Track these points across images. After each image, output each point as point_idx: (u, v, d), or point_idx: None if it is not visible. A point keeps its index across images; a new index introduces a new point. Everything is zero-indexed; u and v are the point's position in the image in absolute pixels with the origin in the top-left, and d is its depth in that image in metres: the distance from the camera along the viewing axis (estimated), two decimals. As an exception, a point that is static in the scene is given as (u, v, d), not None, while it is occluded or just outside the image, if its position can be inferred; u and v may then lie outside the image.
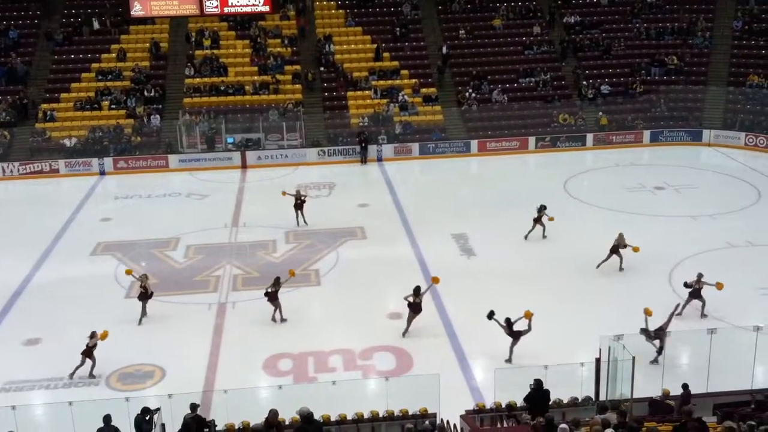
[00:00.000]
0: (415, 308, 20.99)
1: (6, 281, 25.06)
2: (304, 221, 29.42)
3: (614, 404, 13.89)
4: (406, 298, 21.04)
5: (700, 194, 31.81)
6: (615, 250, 24.69)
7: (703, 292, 21.30)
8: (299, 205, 29.34)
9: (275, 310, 21.97)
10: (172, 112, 40.46)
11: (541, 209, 27.49)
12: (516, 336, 19.50)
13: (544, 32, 44.64)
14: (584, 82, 41.92)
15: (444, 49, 42.66)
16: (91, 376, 19.32)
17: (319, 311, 23.36)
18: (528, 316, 19.40)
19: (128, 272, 23.68)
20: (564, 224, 28.93)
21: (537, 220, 27.42)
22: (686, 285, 21.54)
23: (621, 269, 24.68)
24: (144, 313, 22.32)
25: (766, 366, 17.66)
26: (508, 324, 19.61)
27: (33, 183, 36.84)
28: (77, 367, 19.27)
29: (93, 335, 19.53)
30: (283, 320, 21.93)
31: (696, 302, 21.41)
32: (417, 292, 21.01)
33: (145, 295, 22.40)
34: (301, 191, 29.73)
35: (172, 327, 22.06)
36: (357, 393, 17.39)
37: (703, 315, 21.36)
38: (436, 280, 22.06)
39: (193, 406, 15.14)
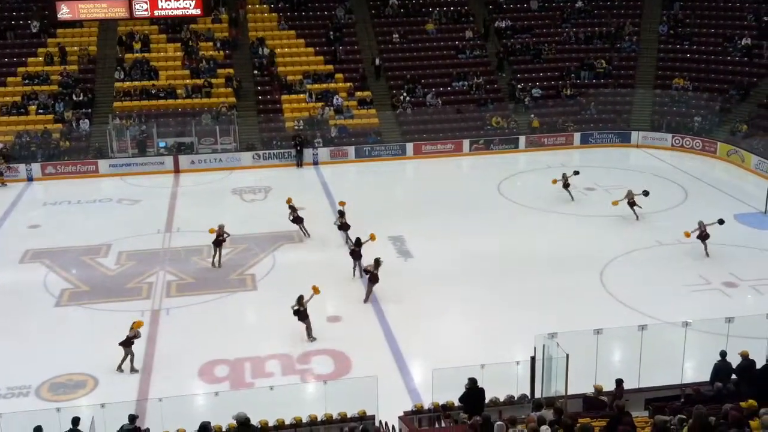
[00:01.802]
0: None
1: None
2: (306, 233, 28.34)
3: (549, 401, 14.09)
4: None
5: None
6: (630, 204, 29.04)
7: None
8: (298, 219, 28.07)
9: (307, 328, 21.06)
10: (101, 117, 39.57)
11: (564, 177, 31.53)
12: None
13: (476, 36, 45.16)
14: (519, 86, 42.54)
15: (377, 61, 42.73)
16: (133, 370, 19.52)
17: (256, 316, 23.17)
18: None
19: (212, 231, 25.96)
20: (498, 225, 29.39)
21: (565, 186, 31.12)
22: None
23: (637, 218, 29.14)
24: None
25: (695, 361, 18.13)
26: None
27: (-44, 190, 35.66)
28: (123, 360, 19.46)
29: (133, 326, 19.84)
30: (312, 339, 21.00)
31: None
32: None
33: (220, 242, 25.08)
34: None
35: (104, 335, 21.46)
36: (295, 397, 17.32)
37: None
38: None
39: (132, 417, 14.86)
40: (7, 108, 39.15)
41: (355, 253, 24.67)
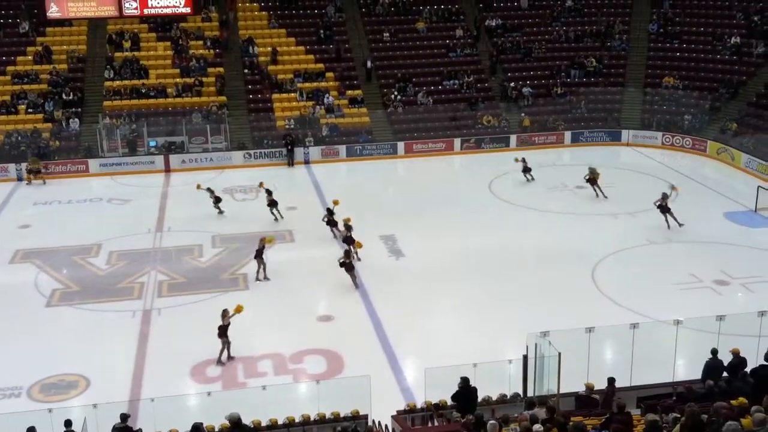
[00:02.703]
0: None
1: None
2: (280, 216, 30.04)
3: (542, 400, 14.11)
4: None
5: (621, 193, 32.62)
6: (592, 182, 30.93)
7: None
8: (273, 202, 29.88)
9: (354, 279, 23.68)
10: (91, 116, 39.42)
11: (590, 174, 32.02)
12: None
13: (467, 35, 45.19)
14: (511, 84, 42.59)
15: (368, 63, 42.69)
16: (226, 359, 19.77)
17: (248, 316, 22.98)
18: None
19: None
20: (490, 223, 29.43)
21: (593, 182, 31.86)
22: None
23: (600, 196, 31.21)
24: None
25: (687, 359, 18.20)
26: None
27: (-55, 190, 35.47)
28: (221, 351, 19.71)
29: (224, 313, 19.91)
30: (357, 287, 23.61)
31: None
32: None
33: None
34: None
35: (95, 335, 21.51)
36: (288, 397, 17.33)
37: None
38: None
39: (124, 416, 14.82)
40: (-4, 107, 38.97)
41: (331, 221, 27.23)
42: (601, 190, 31.77)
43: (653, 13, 45.83)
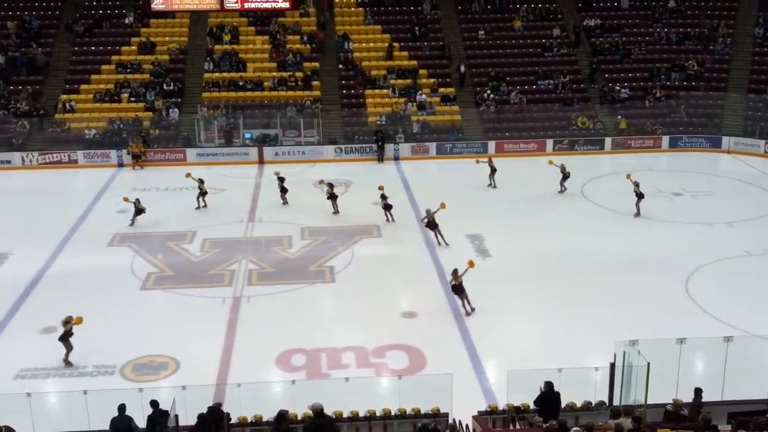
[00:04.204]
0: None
1: (23, 270, 25.23)
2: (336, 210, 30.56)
3: (628, 410, 13.82)
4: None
5: (718, 201, 31.63)
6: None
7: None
8: (333, 196, 30.54)
9: (463, 302, 22.17)
10: (190, 106, 40.60)
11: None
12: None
13: (564, 35, 44.50)
14: (610, 85, 41.74)
15: (462, 68, 42.45)
16: (67, 363, 19.38)
17: (333, 308, 23.39)
18: (470, 265, 22.25)
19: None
20: (580, 227, 28.92)
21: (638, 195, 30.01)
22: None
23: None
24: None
25: (783, 376, 17.51)
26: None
27: (52, 173, 37.07)
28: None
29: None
30: (472, 310, 22.10)
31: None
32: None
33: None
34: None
35: (186, 319, 22.14)
36: (370, 390, 17.37)
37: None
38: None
39: (217, 404, 15.27)
40: (100, 95, 40.48)
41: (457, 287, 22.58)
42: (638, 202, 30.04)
43: (759, 17, 44.09)
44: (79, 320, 19.77)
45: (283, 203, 31.52)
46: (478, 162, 34.39)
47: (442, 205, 26.87)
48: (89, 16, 44.09)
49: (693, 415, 14.19)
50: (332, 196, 30.58)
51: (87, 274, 25.19)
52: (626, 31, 44.80)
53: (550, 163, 33.42)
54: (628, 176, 30.53)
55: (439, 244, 27.08)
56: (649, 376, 14.35)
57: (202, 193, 31.36)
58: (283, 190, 31.61)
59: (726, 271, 25.15)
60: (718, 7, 45.65)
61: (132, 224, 29.19)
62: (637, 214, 29.58)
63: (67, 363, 19.42)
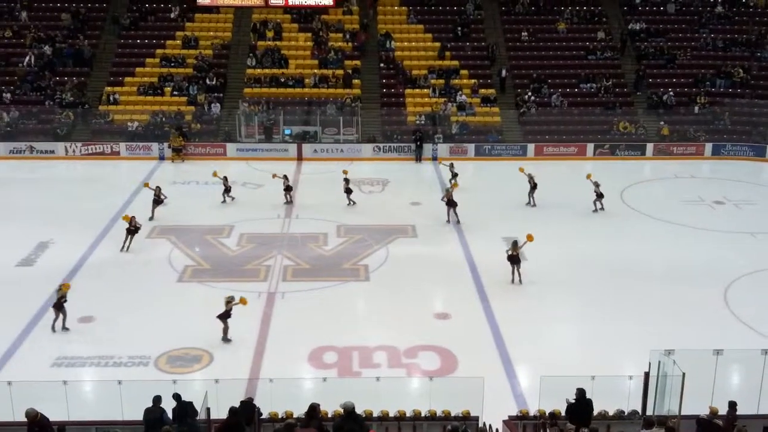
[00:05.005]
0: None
1: (63, 259, 25.63)
2: (352, 201, 31.20)
3: (661, 420, 13.65)
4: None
5: (761, 211, 31.07)
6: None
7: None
8: (349, 190, 31.16)
9: (514, 271, 23.96)
10: (232, 102, 40.96)
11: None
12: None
13: (609, 38, 44.05)
14: (659, 90, 41.24)
15: (503, 73, 42.20)
16: (64, 328, 20.75)
17: (366, 306, 23.42)
18: (529, 239, 23.68)
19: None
20: (618, 233, 28.61)
21: None
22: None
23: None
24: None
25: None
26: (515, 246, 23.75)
27: (94, 164, 37.67)
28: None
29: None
30: (520, 283, 23.85)
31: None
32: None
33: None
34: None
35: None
36: (400, 390, 17.41)
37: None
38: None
39: (249, 399, 15.41)
40: (144, 88, 41.00)
41: (514, 258, 24.13)
42: None
43: (810, 24, 43.30)
44: (67, 286, 21.33)
45: (348, 204, 31.13)
46: (522, 171, 32.12)
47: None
48: (135, 10, 44.67)
49: (727, 427, 13.96)
50: (348, 190, 31.11)
51: (125, 264, 25.54)
52: (671, 36, 44.24)
53: (521, 170, 31.96)
54: (589, 176, 31.00)
55: (449, 221, 28.84)
56: (684, 386, 14.16)
57: (227, 189, 31.68)
58: (348, 191, 31.21)
59: (766, 282, 24.71)
60: (767, 14, 44.81)
61: (152, 218, 29.14)
62: (595, 210, 30.47)
63: (65, 329, 20.77)
